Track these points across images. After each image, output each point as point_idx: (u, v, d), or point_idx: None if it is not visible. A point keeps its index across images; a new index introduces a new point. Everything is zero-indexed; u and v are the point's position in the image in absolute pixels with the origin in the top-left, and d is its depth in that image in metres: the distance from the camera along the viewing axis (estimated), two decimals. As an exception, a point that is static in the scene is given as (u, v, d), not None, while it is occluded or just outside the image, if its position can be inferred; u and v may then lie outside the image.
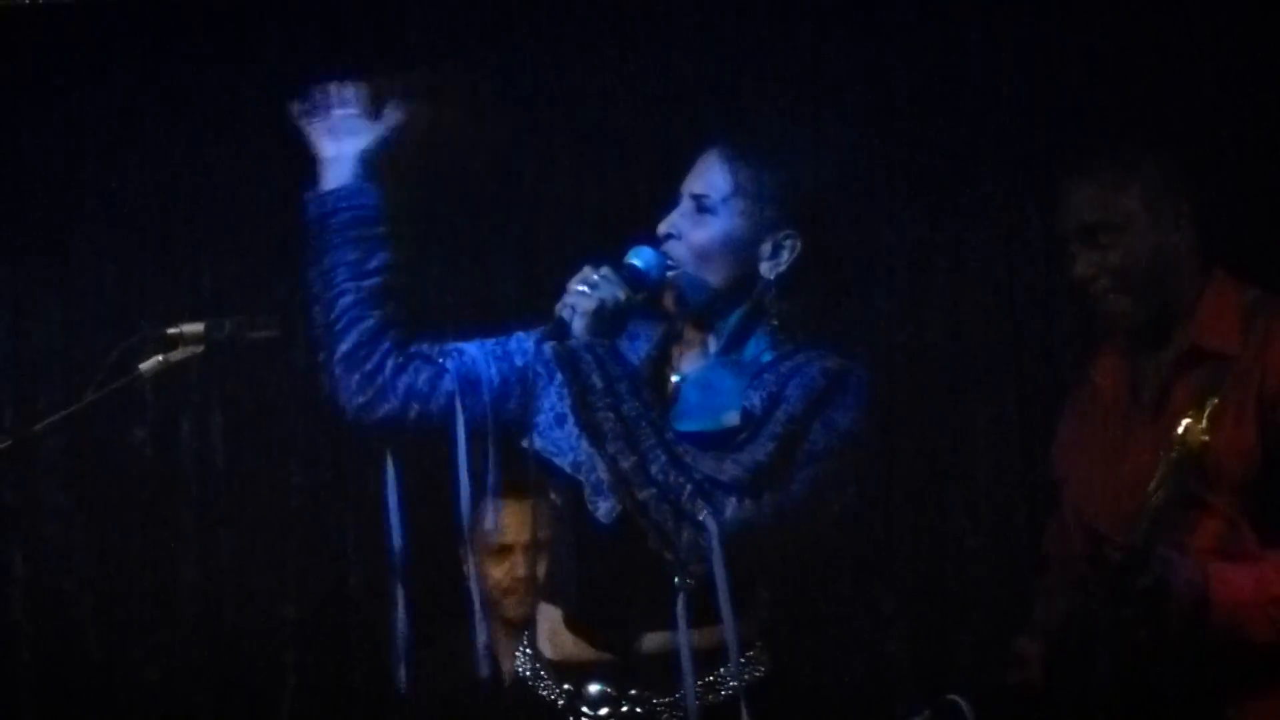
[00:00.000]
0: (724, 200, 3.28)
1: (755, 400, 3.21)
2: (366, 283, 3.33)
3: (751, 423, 3.19)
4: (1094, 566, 3.70)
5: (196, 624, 5.30)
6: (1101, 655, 3.61)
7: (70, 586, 5.31)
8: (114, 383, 3.54)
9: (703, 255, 3.29)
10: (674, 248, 3.30)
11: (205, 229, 5.30)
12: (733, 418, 3.23)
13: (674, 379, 3.35)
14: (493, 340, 3.43)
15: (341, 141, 3.38)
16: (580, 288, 3.21)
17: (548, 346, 3.22)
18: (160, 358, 3.56)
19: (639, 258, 3.28)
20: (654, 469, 3.10)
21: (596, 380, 3.15)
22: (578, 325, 3.18)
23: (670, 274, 3.30)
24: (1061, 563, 3.99)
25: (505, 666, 4.43)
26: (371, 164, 3.38)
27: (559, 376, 3.25)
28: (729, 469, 3.11)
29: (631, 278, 3.25)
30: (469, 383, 3.35)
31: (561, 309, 3.20)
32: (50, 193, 5.28)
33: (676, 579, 3.14)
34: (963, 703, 3.83)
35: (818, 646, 5.01)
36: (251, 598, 5.30)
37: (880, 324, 5.04)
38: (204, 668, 5.28)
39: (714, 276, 3.29)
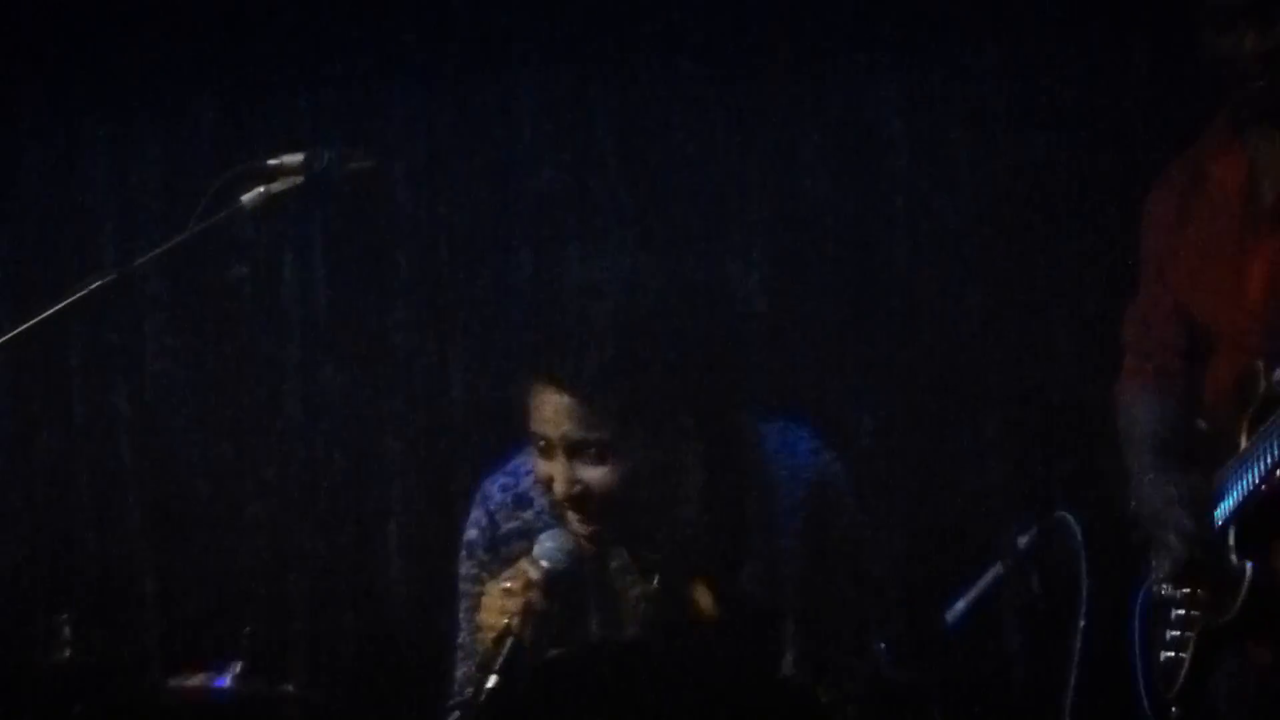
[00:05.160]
0: (618, 436, 2.93)
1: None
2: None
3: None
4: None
5: (302, 461, 5.34)
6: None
7: (176, 423, 5.37)
8: (215, 215, 3.53)
9: (623, 499, 2.97)
10: (584, 504, 2.97)
11: (302, 62, 5.29)
12: None
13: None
14: None
15: None
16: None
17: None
18: (261, 189, 3.55)
19: (547, 558, 2.98)
20: None
21: None
22: None
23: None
24: (1144, 355, 3.92)
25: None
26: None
27: None
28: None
29: (553, 586, 2.97)
30: None
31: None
32: (146, 30, 5.27)
33: None
34: (1071, 518, 3.80)
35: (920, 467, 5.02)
36: (356, 434, 5.33)
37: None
38: (309, 503, 5.33)
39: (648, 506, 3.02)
